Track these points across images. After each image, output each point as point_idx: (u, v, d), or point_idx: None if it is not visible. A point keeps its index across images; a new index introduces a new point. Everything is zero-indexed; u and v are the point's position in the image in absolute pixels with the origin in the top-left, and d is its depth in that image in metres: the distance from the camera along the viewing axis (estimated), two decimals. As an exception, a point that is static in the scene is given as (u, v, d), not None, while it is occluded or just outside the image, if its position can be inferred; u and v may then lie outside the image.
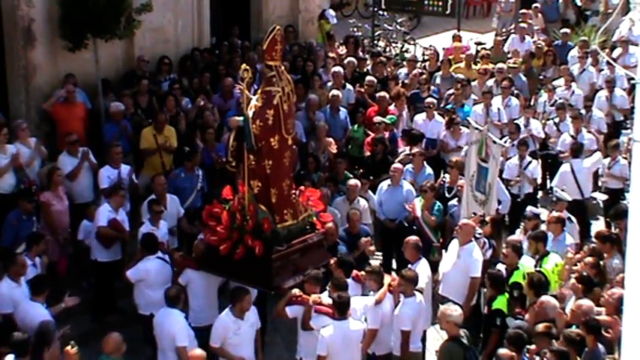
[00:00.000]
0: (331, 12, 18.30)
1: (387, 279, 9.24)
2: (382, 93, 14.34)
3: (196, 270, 9.54)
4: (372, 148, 12.99)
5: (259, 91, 9.30)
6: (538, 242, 10.05)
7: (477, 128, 11.19)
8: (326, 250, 9.94)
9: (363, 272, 9.38)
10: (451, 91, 15.09)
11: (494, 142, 10.75)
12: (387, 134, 13.23)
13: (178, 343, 8.66)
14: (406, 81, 15.80)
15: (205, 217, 9.63)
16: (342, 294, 8.63)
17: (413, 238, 9.94)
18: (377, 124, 13.27)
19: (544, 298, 8.60)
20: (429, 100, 14.34)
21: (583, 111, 14.78)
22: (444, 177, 12.36)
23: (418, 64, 17.56)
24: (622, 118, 15.41)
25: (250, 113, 9.08)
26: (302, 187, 10.17)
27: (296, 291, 8.84)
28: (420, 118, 14.15)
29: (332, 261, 9.52)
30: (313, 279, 8.98)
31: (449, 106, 14.63)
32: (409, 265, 9.68)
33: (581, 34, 19.05)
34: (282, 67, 9.41)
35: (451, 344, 8.40)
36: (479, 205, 10.78)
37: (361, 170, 12.60)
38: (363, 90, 14.85)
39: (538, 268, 9.62)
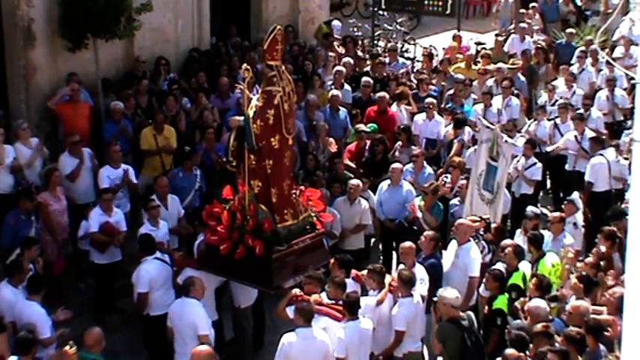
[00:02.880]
0: (338, 23, 18.15)
1: (387, 279, 9.26)
2: (382, 93, 14.31)
3: (196, 270, 9.53)
4: (350, 155, 12.90)
5: (260, 91, 9.30)
6: (530, 245, 10.05)
7: (488, 127, 11.17)
8: (326, 250, 9.95)
9: (363, 272, 9.39)
10: (451, 91, 15.09)
11: (506, 141, 10.71)
12: (367, 142, 13.10)
13: (200, 332, 8.70)
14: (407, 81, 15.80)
15: (205, 217, 9.62)
16: (351, 294, 8.66)
17: (410, 244, 9.84)
18: (360, 133, 13.20)
19: (532, 304, 8.58)
20: (429, 100, 14.32)
21: (582, 110, 14.79)
22: (445, 177, 12.36)
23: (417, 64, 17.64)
24: (622, 118, 15.41)
25: (251, 113, 9.08)
26: (301, 187, 10.16)
27: (296, 291, 8.83)
28: (420, 118, 14.12)
29: (332, 261, 9.53)
30: (314, 279, 8.98)
31: (448, 106, 14.63)
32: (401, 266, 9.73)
33: (581, 34, 19.06)
34: (283, 67, 9.41)
35: (447, 324, 8.40)
36: (486, 204, 10.77)
37: (361, 170, 12.59)
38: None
39: (535, 271, 9.62)
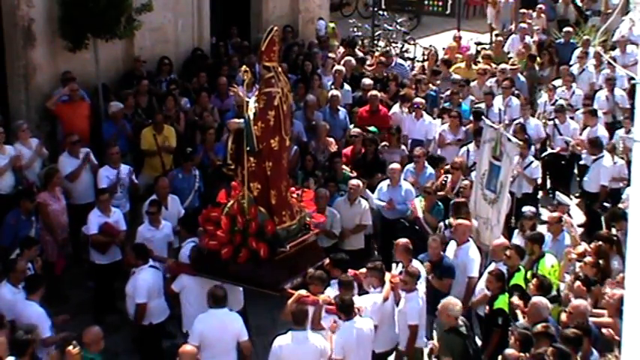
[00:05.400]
0: (322, 24, 18.10)
1: (387, 276, 9.30)
2: (374, 92, 14.27)
3: (193, 275, 9.40)
4: (346, 159, 12.81)
5: (259, 93, 9.22)
6: (533, 244, 10.04)
7: (491, 126, 11.16)
8: (321, 250, 9.96)
9: (361, 270, 9.40)
10: (449, 92, 15.08)
11: (510, 140, 10.70)
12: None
13: (244, 338, 8.70)
14: (406, 81, 15.79)
15: (202, 222, 9.53)
16: (345, 297, 8.64)
17: (402, 240, 9.86)
18: (353, 137, 13.12)
19: (535, 299, 8.61)
20: (418, 99, 14.25)
21: (582, 110, 14.82)
22: (445, 177, 12.36)
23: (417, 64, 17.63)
24: (622, 118, 15.41)
25: (251, 115, 9.04)
26: (293, 189, 10.11)
27: (303, 292, 8.83)
28: (408, 118, 14.04)
29: (327, 261, 9.55)
30: (317, 279, 8.98)
31: (445, 105, 14.60)
32: (400, 267, 9.72)
33: (582, 34, 19.08)
34: (280, 68, 9.39)
35: (451, 335, 8.46)
36: (488, 203, 10.76)
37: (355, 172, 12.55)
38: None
39: (535, 271, 9.62)
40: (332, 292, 9.02)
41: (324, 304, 8.73)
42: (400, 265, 9.68)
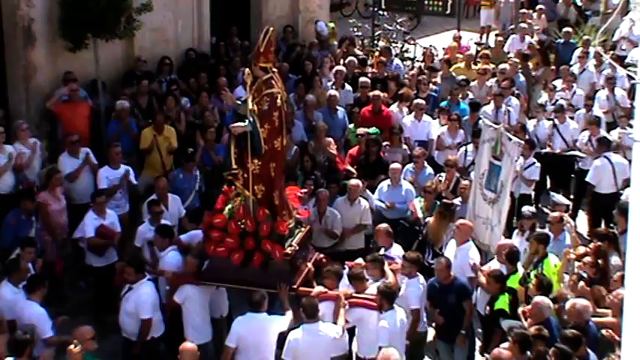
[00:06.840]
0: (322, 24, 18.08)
1: (386, 266, 9.39)
2: (376, 92, 14.26)
3: (196, 285, 9.21)
4: (352, 160, 12.86)
5: (260, 94, 9.07)
6: (540, 244, 10.00)
7: (491, 126, 11.15)
8: (312, 247, 10.02)
9: (357, 261, 9.48)
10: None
11: (510, 139, 10.69)
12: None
13: (284, 328, 8.66)
14: (405, 81, 15.79)
15: (206, 229, 9.40)
16: (388, 284, 8.72)
17: (383, 225, 10.11)
18: (360, 136, 13.17)
19: (537, 299, 8.60)
20: (418, 100, 14.23)
21: (583, 110, 14.79)
22: (440, 176, 12.35)
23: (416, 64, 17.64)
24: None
25: (255, 117, 8.95)
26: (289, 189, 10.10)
27: (321, 288, 8.85)
28: (408, 119, 14.00)
29: (321, 256, 9.62)
30: (332, 274, 9.01)
31: (443, 104, 14.57)
32: (382, 251, 9.94)
33: (582, 34, 19.09)
34: (274, 68, 9.35)
35: None
36: (488, 203, 10.75)
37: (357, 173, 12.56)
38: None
39: (540, 270, 9.62)
40: (344, 286, 9.08)
41: (346, 297, 8.74)
42: (382, 249, 9.83)
